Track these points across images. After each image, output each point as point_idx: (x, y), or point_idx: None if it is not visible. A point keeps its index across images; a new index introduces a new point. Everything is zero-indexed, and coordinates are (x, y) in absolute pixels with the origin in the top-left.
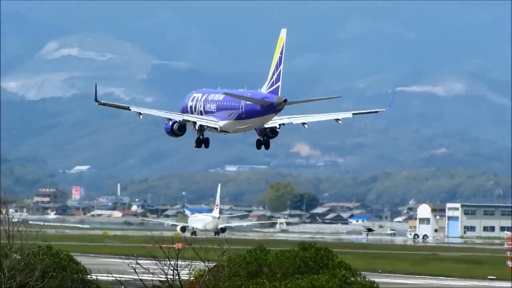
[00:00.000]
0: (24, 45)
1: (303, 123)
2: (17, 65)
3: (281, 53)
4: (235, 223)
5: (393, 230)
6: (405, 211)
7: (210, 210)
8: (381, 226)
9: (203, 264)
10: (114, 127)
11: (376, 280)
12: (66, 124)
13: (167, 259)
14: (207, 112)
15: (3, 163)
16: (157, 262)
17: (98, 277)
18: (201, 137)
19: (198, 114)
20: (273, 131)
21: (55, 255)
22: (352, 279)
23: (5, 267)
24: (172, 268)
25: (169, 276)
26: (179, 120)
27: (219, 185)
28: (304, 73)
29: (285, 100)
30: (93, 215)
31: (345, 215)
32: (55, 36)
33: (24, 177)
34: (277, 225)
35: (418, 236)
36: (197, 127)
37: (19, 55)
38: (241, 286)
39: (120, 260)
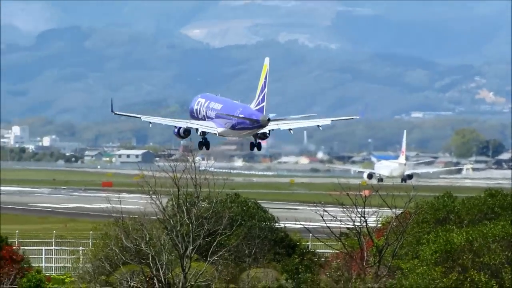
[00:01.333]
0: None
1: (289, 129)
2: (201, 12)
3: (265, 78)
4: (421, 170)
5: None
6: None
7: (396, 157)
8: None
9: (390, 211)
10: (299, 74)
11: None
12: (251, 71)
13: (354, 206)
14: (208, 117)
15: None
16: (344, 209)
17: (286, 225)
18: (203, 140)
19: (202, 117)
20: (264, 135)
21: (242, 203)
22: None
23: (193, 215)
24: (359, 215)
25: (356, 223)
26: (186, 127)
27: (405, 131)
28: None
29: (269, 119)
30: (279, 162)
31: None
32: None
33: None
34: (463, 171)
35: None
36: (199, 133)
37: (203, 2)
38: (429, 233)
39: (307, 208)
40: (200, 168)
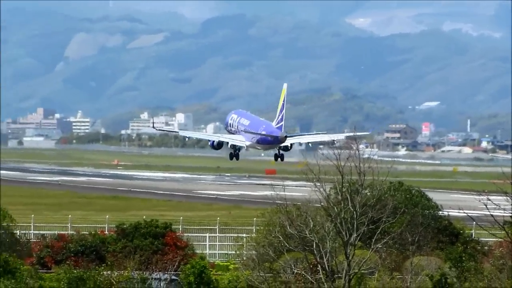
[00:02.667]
0: None
1: (308, 143)
2: (365, 1)
3: (284, 101)
4: None
5: None
6: None
7: None
8: None
9: None
10: (462, 63)
11: None
12: (415, 60)
13: None
14: (239, 131)
15: (354, 99)
16: (508, 197)
17: (450, 213)
18: (233, 152)
19: (234, 131)
20: (286, 148)
21: (406, 191)
22: None
23: (357, 203)
24: None
25: None
26: (218, 141)
27: None
28: None
29: (286, 136)
30: (443, 151)
31: None
32: None
33: (374, 113)
34: None
35: None
36: (229, 146)
37: None
38: None
39: (471, 196)
40: (363, 156)
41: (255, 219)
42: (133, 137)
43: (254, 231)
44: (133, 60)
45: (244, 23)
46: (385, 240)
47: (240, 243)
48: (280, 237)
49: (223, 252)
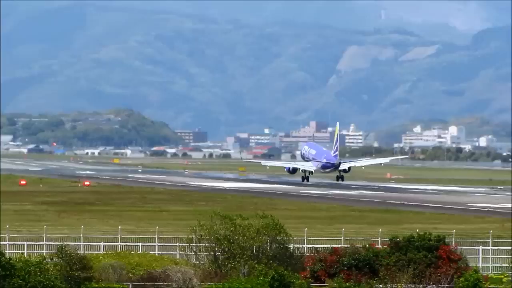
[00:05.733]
0: None
1: (361, 166)
2: None
3: (337, 136)
4: None
5: None
6: None
7: None
8: None
9: None
10: None
11: None
12: None
13: None
14: (308, 159)
15: None
16: None
17: None
18: (304, 175)
19: (306, 159)
20: (345, 171)
21: None
22: None
23: None
24: None
25: None
26: (292, 167)
27: None
28: None
29: (340, 163)
30: None
31: None
32: None
33: None
34: None
35: None
36: (301, 171)
37: None
38: None
39: None
40: None
41: None
42: (406, 150)
43: None
44: (405, 72)
45: None
46: None
47: None
48: None
49: (496, 265)
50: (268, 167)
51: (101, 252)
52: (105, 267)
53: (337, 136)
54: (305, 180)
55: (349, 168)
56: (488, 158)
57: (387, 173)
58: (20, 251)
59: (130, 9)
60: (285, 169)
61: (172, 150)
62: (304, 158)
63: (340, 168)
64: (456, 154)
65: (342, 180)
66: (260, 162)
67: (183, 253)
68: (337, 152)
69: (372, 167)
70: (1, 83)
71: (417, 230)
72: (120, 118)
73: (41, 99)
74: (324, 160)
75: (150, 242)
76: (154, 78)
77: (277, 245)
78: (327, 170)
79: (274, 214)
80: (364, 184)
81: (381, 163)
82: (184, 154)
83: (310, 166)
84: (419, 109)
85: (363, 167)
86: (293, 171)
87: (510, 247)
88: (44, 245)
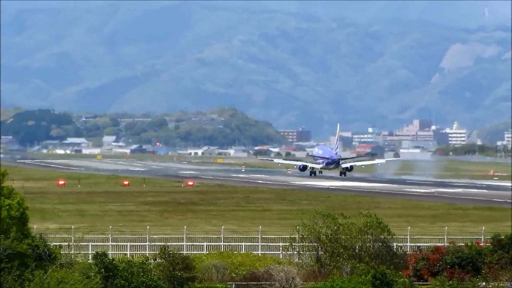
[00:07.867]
0: None
1: (362, 165)
2: None
3: (338, 136)
4: None
5: None
6: None
7: None
8: None
9: None
10: None
11: None
12: None
13: None
14: (317, 158)
15: None
16: None
17: None
18: (312, 171)
19: (315, 159)
20: (347, 169)
21: None
22: None
23: None
24: None
25: None
26: (302, 164)
27: None
28: None
29: (339, 159)
30: None
31: None
32: None
33: None
34: None
35: None
36: (309, 168)
37: None
38: None
39: None
40: None
41: None
42: (509, 148)
43: None
44: (508, 70)
45: None
46: None
47: None
48: None
49: None
50: (279, 164)
51: (204, 252)
52: (208, 267)
53: (337, 136)
54: (313, 174)
55: (351, 166)
56: None
57: (490, 170)
58: (123, 252)
59: (234, 8)
60: (295, 166)
61: (275, 150)
62: (314, 158)
63: (342, 166)
64: None
65: (345, 175)
66: (273, 160)
67: (286, 252)
68: (337, 150)
69: (476, 164)
70: (106, 84)
71: None
72: (223, 118)
73: (145, 99)
74: (327, 157)
75: (253, 242)
76: (258, 77)
77: (380, 243)
78: (331, 166)
79: (377, 212)
80: (467, 182)
81: (378, 164)
82: (287, 154)
83: (317, 164)
84: None
85: (363, 166)
86: (303, 168)
87: None
88: (147, 246)
